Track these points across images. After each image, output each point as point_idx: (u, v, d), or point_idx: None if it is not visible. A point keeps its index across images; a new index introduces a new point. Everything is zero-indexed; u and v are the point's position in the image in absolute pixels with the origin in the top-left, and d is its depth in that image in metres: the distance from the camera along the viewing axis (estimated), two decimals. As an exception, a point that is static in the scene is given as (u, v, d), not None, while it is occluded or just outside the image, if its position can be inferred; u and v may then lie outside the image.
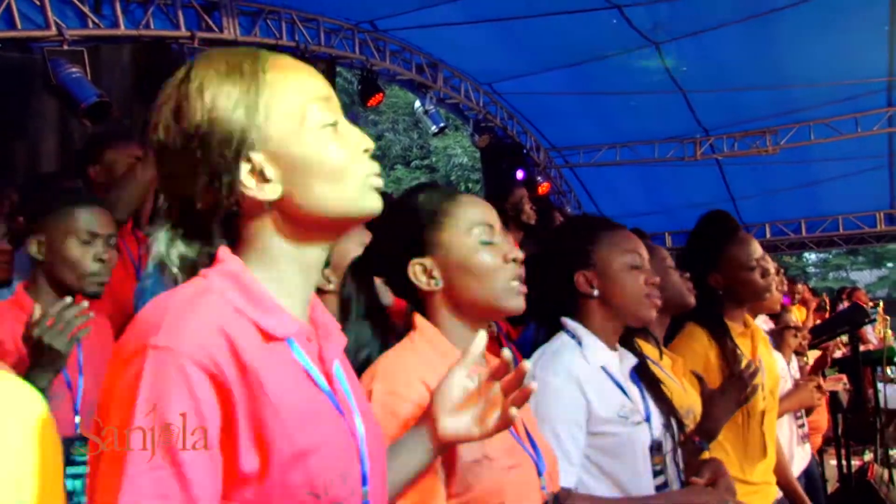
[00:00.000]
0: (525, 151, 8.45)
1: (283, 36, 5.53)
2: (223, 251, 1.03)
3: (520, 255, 1.53)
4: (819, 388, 3.16)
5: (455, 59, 7.23)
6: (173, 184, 1.04)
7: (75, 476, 1.95)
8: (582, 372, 1.87)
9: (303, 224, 1.05)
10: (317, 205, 1.03)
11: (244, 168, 1.01)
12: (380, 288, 1.68)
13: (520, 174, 7.91)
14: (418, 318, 1.52)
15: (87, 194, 2.37)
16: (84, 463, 1.94)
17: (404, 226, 1.54)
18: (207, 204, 1.02)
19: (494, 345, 2.84)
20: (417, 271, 1.51)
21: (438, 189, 1.60)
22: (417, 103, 7.42)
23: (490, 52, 6.96)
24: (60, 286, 2.18)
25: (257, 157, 1.01)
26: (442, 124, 7.44)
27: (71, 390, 2.15)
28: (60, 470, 0.91)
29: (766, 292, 2.75)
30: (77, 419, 2.16)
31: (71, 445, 1.99)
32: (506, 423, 1.21)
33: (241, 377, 0.93)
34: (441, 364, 1.44)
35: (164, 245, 1.05)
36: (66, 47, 4.22)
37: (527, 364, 1.19)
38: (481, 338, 1.27)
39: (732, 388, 2.19)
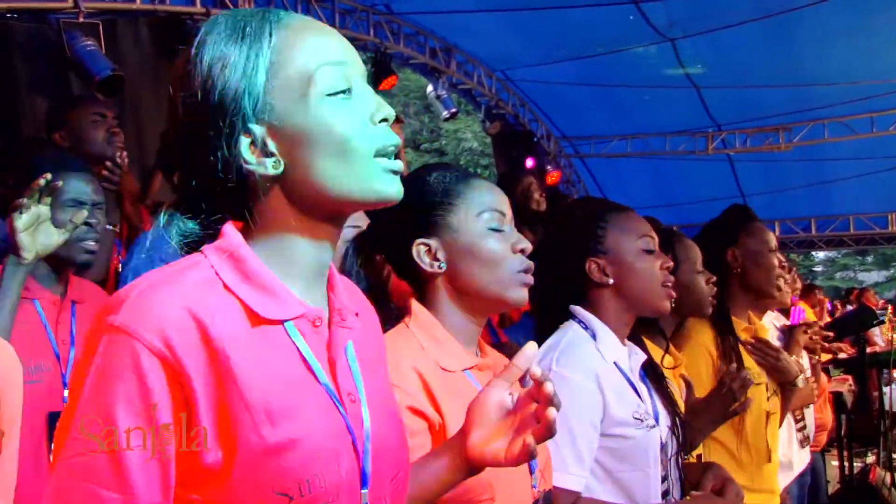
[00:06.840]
0: (536, 139, 8.41)
1: (298, 16, 5.49)
2: (227, 227, 0.97)
3: (528, 246, 1.48)
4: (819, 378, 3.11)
5: (469, 44, 7.19)
6: (179, 156, 0.99)
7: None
8: (599, 368, 1.76)
9: (308, 203, 0.96)
10: (319, 184, 0.94)
11: (244, 141, 0.93)
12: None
13: (529, 162, 7.90)
14: (413, 304, 1.48)
15: (74, 161, 2.27)
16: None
17: (413, 204, 1.44)
18: (206, 179, 0.95)
19: (487, 333, 2.80)
20: (422, 251, 1.46)
21: (452, 170, 1.54)
22: (430, 87, 7.36)
23: (504, 40, 6.92)
24: (48, 255, 2.06)
25: (257, 129, 0.94)
26: (454, 109, 7.38)
27: (60, 363, 2.06)
28: None
29: (777, 284, 2.72)
30: (66, 392, 2.03)
31: (58, 419, 1.93)
32: (528, 454, 1.07)
33: (207, 363, 0.87)
34: (436, 351, 1.42)
35: (164, 219, 0.99)
36: (81, 19, 4.20)
37: (550, 387, 1.05)
38: (531, 348, 1.13)
39: (718, 401, 2.09)
